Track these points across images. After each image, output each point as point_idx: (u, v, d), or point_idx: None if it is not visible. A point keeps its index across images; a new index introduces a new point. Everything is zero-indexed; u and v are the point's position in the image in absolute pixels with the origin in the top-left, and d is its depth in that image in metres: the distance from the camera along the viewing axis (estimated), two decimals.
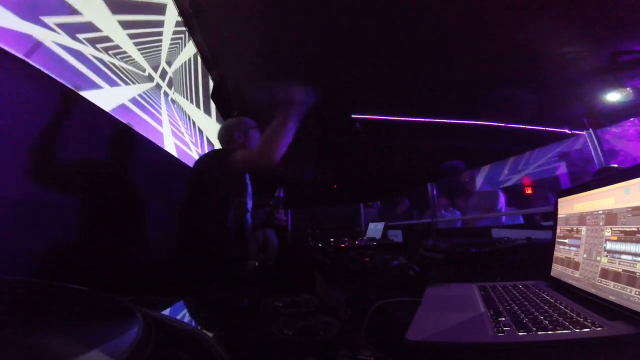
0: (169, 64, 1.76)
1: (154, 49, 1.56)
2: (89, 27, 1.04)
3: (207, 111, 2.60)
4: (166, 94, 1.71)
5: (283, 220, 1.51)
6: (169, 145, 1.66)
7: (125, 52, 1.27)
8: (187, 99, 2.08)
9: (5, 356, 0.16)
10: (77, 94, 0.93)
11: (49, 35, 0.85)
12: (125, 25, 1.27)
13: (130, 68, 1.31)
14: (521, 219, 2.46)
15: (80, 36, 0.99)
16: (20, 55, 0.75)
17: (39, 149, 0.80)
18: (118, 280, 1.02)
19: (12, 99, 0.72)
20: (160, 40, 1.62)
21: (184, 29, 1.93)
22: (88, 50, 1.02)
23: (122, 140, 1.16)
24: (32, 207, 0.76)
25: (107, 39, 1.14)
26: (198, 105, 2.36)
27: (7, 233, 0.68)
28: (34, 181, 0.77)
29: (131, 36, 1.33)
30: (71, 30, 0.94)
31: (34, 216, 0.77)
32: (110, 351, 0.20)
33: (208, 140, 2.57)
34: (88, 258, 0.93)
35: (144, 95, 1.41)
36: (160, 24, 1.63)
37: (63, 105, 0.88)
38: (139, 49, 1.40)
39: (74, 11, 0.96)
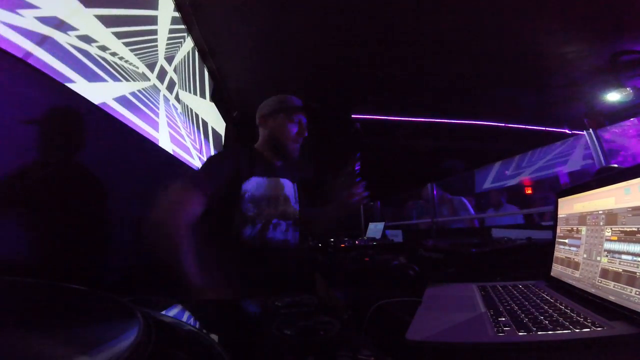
0: (169, 63, 1.74)
1: (150, 49, 1.53)
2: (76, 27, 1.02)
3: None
4: (166, 98, 1.69)
5: (359, 195, 1.06)
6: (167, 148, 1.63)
7: (117, 54, 1.24)
8: (190, 92, 2.06)
9: (5, 356, 0.16)
10: (77, 94, 0.93)
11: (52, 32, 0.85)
12: (116, 27, 1.23)
13: (129, 66, 1.30)
14: (521, 218, 2.46)
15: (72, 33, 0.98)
16: (20, 55, 0.75)
17: (39, 149, 0.80)
18: (118, 280, 1.02)
19: (12, 99, 0.72)
20: (156, 40, 1.60)
21: (182, 26, 1.92)
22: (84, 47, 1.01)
23: (122, 141, 1.16)
24: (32, 207, 0.76)
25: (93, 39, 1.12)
26: (203, 95, 2.33)
27: (7, 233, 0.68)
28: (33, 181, 0.77)
29: (121, 36, 1.28)
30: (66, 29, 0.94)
31: (34, 216, 0.76)
32: (110, 351, 0.20)
33: (213, 130, 2.53)
34: (87, 258, 0.93)
35: (141, 96, 1.38)
36: (154, 20, 1.60)
37: (62, 105, 0.88)
38: (132, 50, 1.36)
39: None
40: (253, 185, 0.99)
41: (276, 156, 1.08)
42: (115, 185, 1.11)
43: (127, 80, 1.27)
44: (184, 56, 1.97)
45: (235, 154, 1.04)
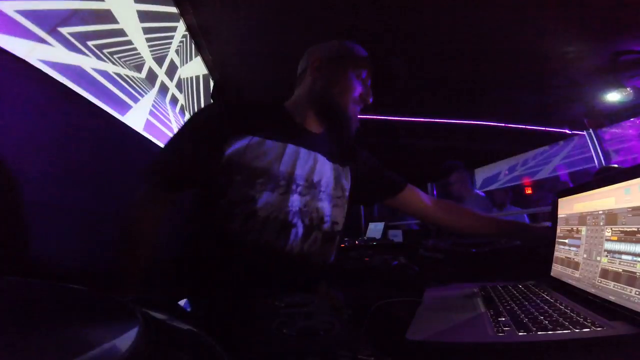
0: (176, 67, 1.76)
1: (163, 49, 1.55)
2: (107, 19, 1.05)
3: None
4: (174, 98, 1.71)
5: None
6: None
7: (136, 50, 1.26)
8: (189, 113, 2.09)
9: (4, 356, 0.16)
10: (77, 93, 0.93)
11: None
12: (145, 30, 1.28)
13: (140, 76, 1.30)
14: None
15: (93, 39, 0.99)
16: (20, 55, 0.75)
17: (39, 149, 0.80)
18: (118, 281, 1.02)
19: (12, 99, 0.72)
20: (170, 44, 1.62)
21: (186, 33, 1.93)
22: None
23: (122, 140, 1.16)
24: (31, 208, 0.76)
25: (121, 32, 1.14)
26: None
27: (8, 233, 0.68)
28: (33, 181, 0.77)
29: (147, 40, 1.33)
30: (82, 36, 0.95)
31: (33, 216, 0.76)
32: (109, 352, 0.20)
33: None
34: (88, 258, 0.93)
35: (156, 104, 1.41)
36: (173, 29, 1.64)
37: (63, 105, 0.88)
38: (151, 50, 1.39)
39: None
40: (244, 147, 0.62)
41: (320, 120, 0.73)
42: (116, 185, 1.11)
43: (145, 92, 1.32)
44: (190, 77, 2.00)
45: (219, 108, 0.70)
